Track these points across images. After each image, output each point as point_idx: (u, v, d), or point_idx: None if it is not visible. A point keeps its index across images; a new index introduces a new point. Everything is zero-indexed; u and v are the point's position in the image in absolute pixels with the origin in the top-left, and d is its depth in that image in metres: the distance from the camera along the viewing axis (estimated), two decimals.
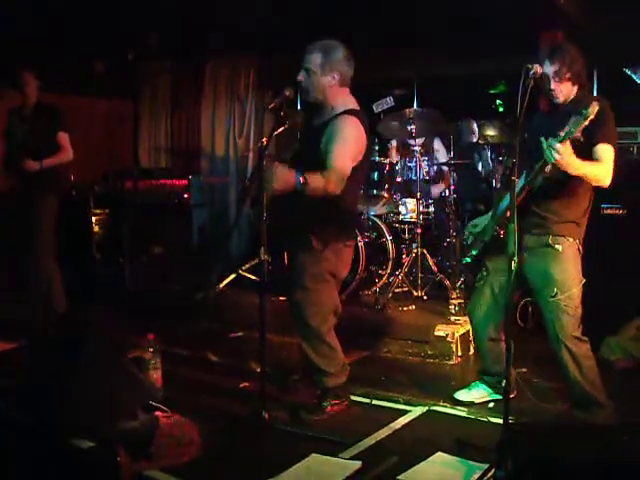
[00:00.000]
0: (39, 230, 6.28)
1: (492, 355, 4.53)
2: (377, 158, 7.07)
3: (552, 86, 4.01)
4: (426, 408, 4.58)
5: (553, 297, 4.05)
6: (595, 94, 6.72)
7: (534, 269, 4.17)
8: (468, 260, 4.55)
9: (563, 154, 3.67)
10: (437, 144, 7.59)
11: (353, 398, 4.67)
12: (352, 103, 4.39)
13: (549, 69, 3.97)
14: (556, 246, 4.07)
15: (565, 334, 4.06)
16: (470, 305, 4.66)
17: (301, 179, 4.01)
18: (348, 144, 4.21)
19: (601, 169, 3.86)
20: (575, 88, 4.07)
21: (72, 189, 7.18)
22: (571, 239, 4.09)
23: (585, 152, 3.84)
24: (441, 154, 7.55)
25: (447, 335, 5.65)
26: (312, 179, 4.04)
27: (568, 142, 3.64)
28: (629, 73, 6.65)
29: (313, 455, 3.82)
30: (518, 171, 3.68)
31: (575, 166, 3.76)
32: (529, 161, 3.99)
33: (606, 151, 3.88)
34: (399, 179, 7.03)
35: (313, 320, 4.38)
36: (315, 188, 4.06)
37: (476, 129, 7.69)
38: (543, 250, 4.11)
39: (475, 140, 7.59)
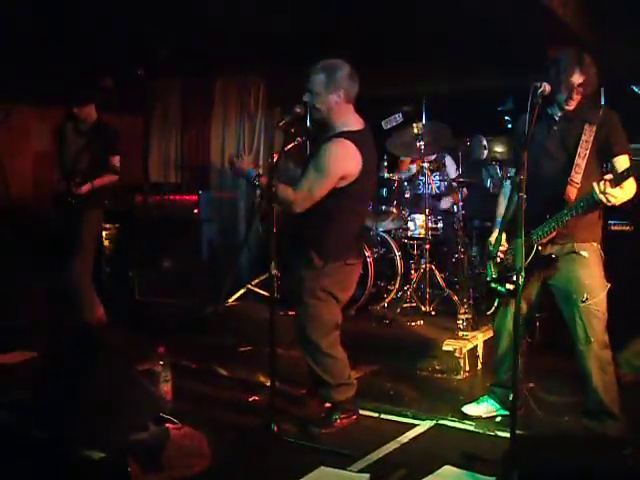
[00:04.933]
0: (79, 245, 6.33)
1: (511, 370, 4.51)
2: (386, 174, 7.11)
3: (574, 95, 4.01)
4: (434, 422, 4.59)
5: (584, 302, 4.06)
6: None
7: (561, 277, 4.18)
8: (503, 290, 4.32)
9: (618, 197, 3.79)
10: (448, 161, 7.63)
11: (361, 412, 4.67)
12: (353, 122, 4.39)
13: (577, 79, 3.97)
14: (582, 252, 4.08)
15: (597, 338, 4.07)
16: (497, 319, 4.59)
17: (254, 172, 4.36)
18: (323, 171, 4.24)
19: (633, 184, 3.94)
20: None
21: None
22: (595, 244, 4.12)
23: (597, 159, 3.98)
24: (450, 170, 7.59)
25: (455, 350, 5.65)
26: (282, 188, 4.24)
27: None
28: (636, 90, 6.67)
29: (321, 468, 3.83)
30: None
31: (624, 198, 3.86)
32: (535, 173, 4.01)
33: (627, 162, 3.95)
34: (408, 195, 7.08)
35: (313, 335, 4.41)
36: (281, 198, 4.24)
37: (486, 146, 7.73)
38: (569, 257, 4.12)
39: (485, 157, 7.63)
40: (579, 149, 4.01)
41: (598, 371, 4.09)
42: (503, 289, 4.35)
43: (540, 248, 4.13)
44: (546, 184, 4.11)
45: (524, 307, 4.32)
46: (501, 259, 4.38)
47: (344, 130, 4.32)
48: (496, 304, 4.47)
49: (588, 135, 4.00)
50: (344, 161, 4.26)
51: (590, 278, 4.09)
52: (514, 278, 4.21)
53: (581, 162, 4.01)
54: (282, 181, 4.29)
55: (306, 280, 4.39)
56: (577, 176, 4.01)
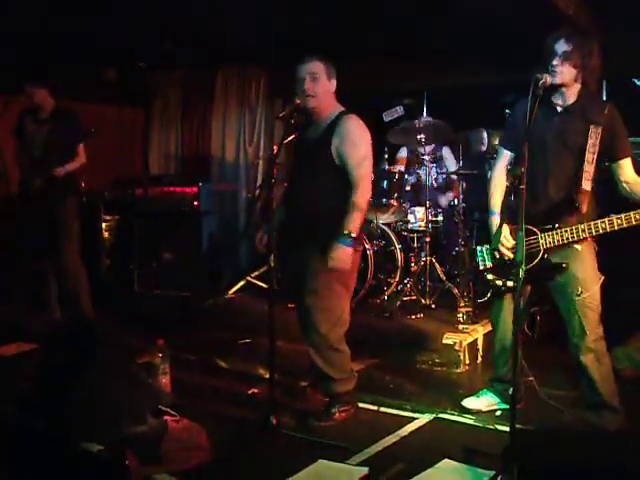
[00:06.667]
0: (65, 231, 6.43)
1: (509, 363, 4.50)
2: (386, 167, 7.09)
3: (554, 62, 3.90)
4: (433, 415, 4.59)
5: (579, 296, 4.04)
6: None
7: None
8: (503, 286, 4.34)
9: None
10: (446, 152, 7.62)
11: (361, 405, 4.69)
12: (341, 107, 4.46)
13: (560, 47, 3.90)
14: (575, 246, 4.05)
15: (592, 330, 4.06)
16: (493, 313, 4.57)
17: (346, 232, 4.17)
18: (364, 144, 4.29)
19: None
20: (578, 82, 4.00)
21: (82, 196, 7.20)
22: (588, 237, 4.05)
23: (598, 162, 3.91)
24: (450, 162, 7.57)
25: (455, 343, 5.65)
26: (353, 221, 4.19)
27: None
28: (637, 83, 6.65)
29: (320, 461, 3.83)
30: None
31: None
32: (535, 167, 3.99)
33: (630, 165, 3.96)
34: (408, 188, 7.07)
35: (322, 327, 4.39)
36: (360, 217, 4.24)
37: (486, 139, 7.70)
38: (562, 250, 4.08)
39: (485, 150, 7.60)
40: (587, 154, 3.94)
41: (594, 363, 4.08)
42: (503, 285, 4.33)
43: (546, 256, 4.09)
44: (552, 185, 4.08)
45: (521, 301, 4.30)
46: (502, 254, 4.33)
47: (343, 110, 4.39)
48: (489, 294, 4.44)
49: (595, 138, 3.92)
50: (368, 132, 4.36)
51: (584, 272, 4.07)
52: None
53: (590, 169, 3.95)
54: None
55: (321, 270, 4.35)
56: (588, 183, 3.95)
